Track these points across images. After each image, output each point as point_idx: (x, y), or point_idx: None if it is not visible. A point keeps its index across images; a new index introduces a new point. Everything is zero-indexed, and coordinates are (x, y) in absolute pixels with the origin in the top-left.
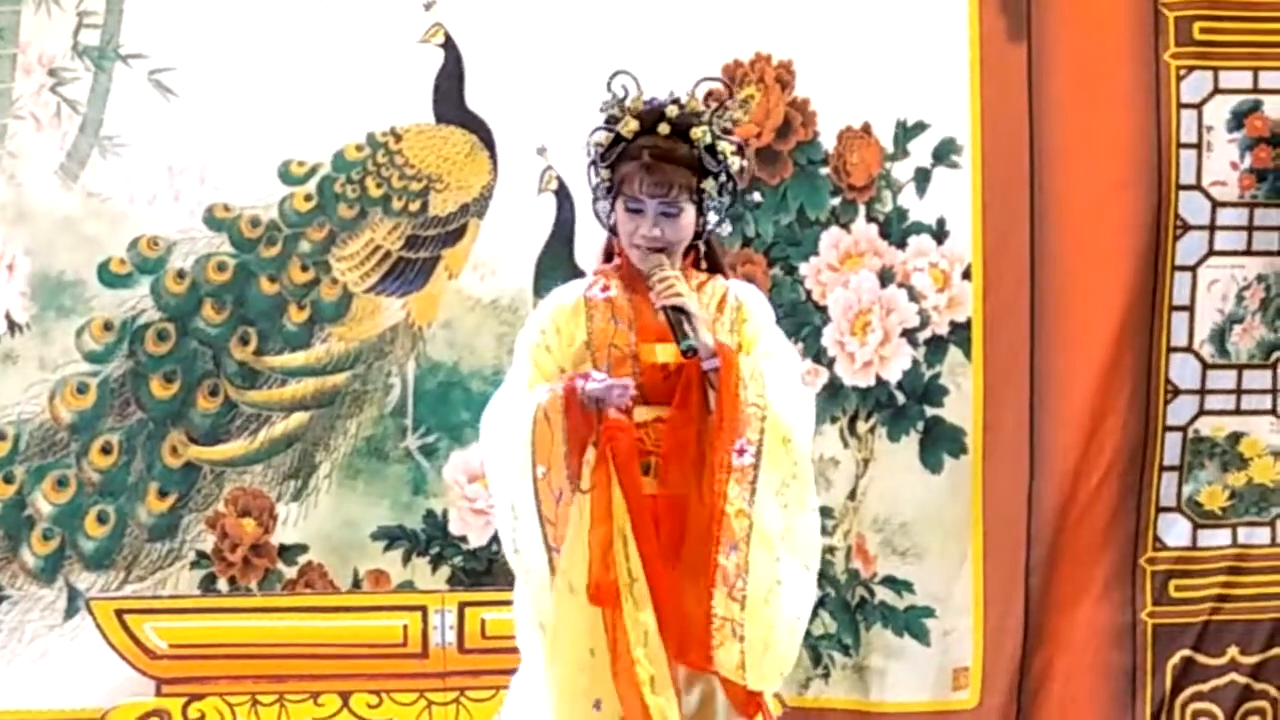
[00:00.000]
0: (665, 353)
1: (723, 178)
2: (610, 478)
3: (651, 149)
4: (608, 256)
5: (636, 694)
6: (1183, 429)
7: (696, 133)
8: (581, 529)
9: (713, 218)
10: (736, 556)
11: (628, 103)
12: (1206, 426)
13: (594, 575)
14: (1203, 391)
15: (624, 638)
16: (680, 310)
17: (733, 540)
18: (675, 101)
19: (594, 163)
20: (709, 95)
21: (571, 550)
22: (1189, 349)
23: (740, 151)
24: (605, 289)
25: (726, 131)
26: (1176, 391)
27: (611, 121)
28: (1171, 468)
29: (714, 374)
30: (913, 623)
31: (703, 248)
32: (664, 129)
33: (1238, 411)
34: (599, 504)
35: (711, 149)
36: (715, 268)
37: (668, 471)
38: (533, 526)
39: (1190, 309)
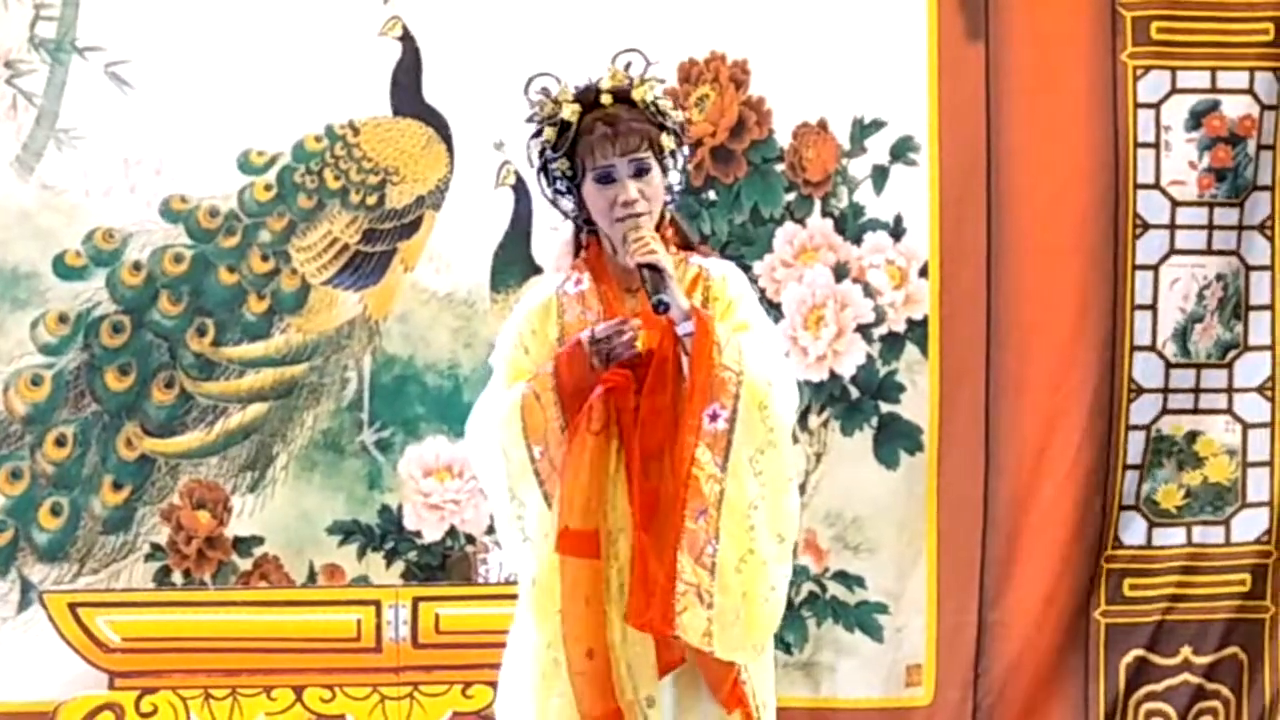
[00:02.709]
0: (640, 339)
1: (674, 134)
2: (608, 427)
3: (605, 118)
4: (577, 250)
5: (605, 648)
6: (1146, 428)
7: (638, 93)
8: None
9: (674, 178)
10: (705, 522)
11: (556, 96)
12: (1167, 425)
13: (564, 521)
14: (1165, 390)
15: (596, 591)
16: (654, 268)
17: (702, 505)
18: (601, 79)
19: (545, 166)
20: (628, 66)
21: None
22: (1152, 348)
23: (677, 105)
24: (578, 283)
25: (657, 90)
26: (1139, 390)
27: (549, 118)
28: (1134, 466)
29: (688, 339)
30: (864, 619)
31: (668, 218)
32: (607, 99)
33: (1196, 410)
34: (599, 451)
35: (655, 106)
36: (687, 245)
37: (647, 463)
38: (538, 506)
39: (1153, 308)
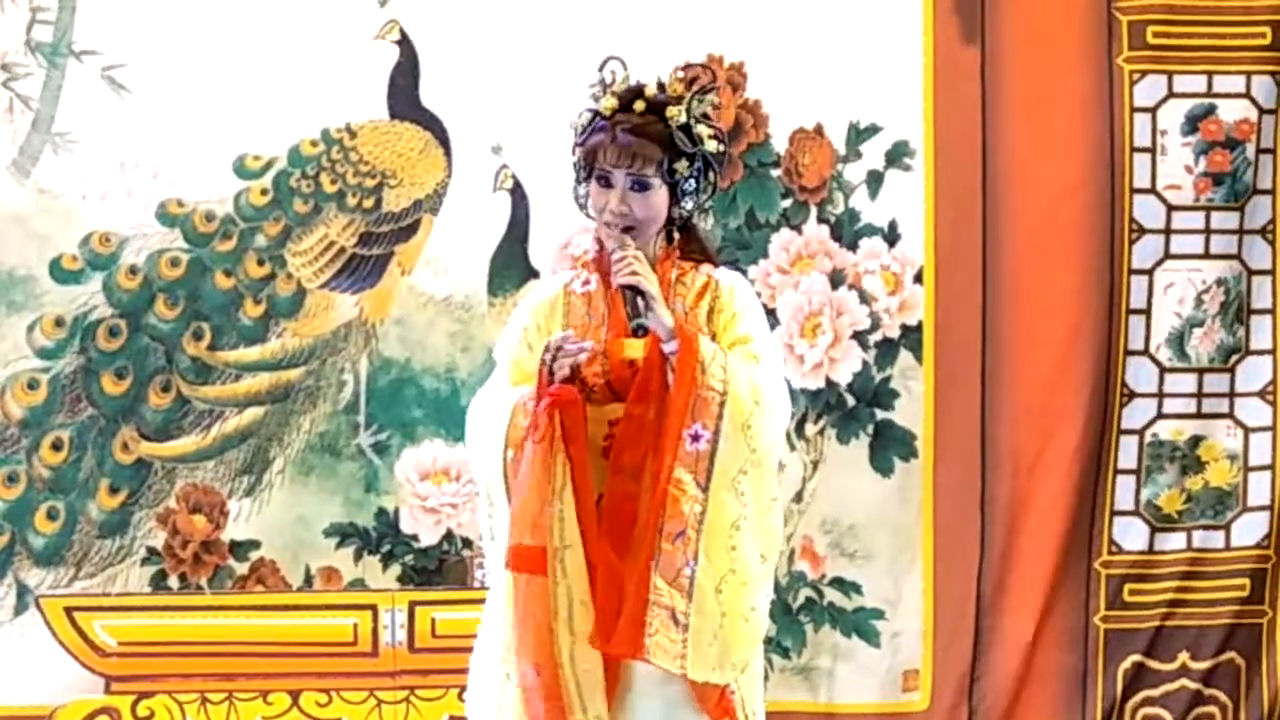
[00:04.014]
0: (634, 348)
1: (698, 161)
2: (552, 442)
3: (623, 123)
4: (601, 245)
5: (552, 666)
6: (1139, 433)
7: (671, 111)
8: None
9: (689, 203)
10: (682, 544)
11: (614, 86)
12: (1165, 430)
13: (514, 539)
14: (1160, 395)
15: (543, 608)
16: (636, 290)
17: (679, 526)
18: (660, 84)
19: (576, 145)
20: (694, 80)
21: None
22: (1145, 353)
23: (719, 137)
24: (585, 283)
25: (705, 117)
26: (1132, 395)
27: (594, 101)
28: (1127, 471)
29: (673, 357)
30: (861, 624)
31: (678, 234)
32: (640, 105)
33: (1198, 415)
34: (538, 467)
35: (687, 129)
36: (705, 258)
37: (635, 468)
38: (504, 510)
39: (1146, 313)
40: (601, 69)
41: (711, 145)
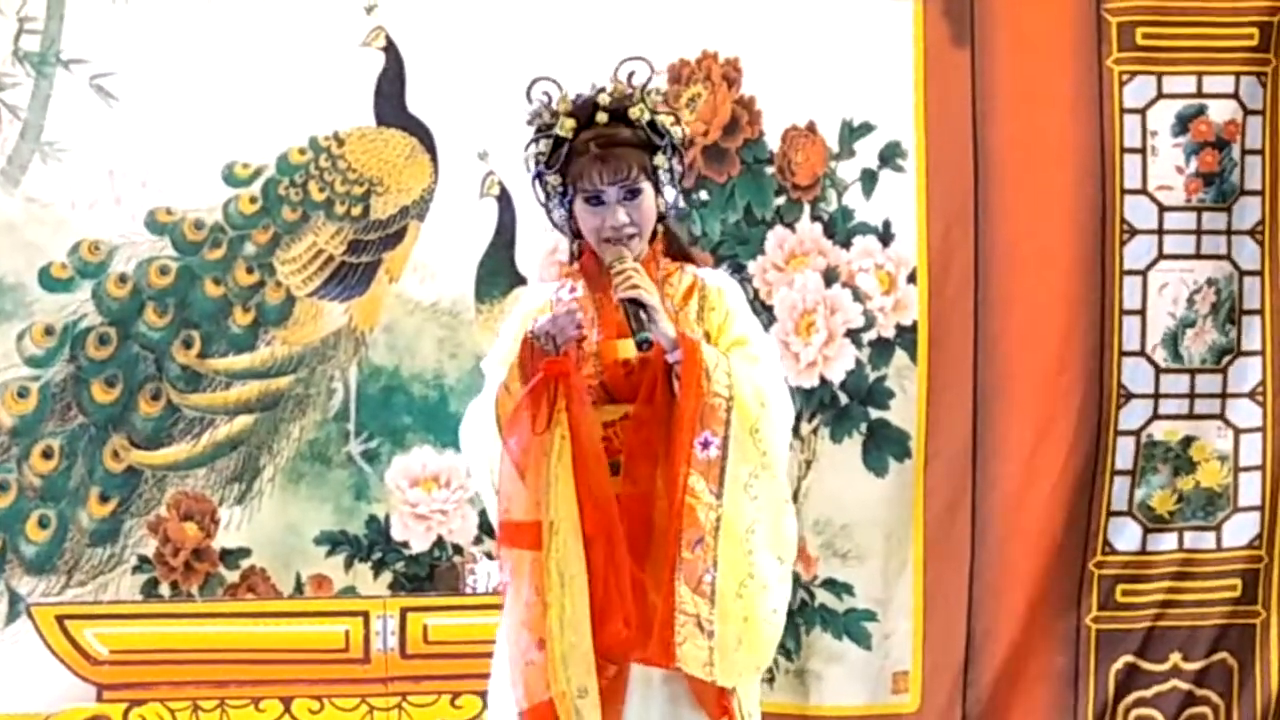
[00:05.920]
0: (626, 349)
1: (669, 150)
2: (552, 418)
3: (597, 139)
4: (571, 258)
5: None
6: (1135, 434)
7: (634, 112)
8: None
9: (669, 193)
10: (702, 551)
11: (554, 105)
12: (1159, 431)
13: (504, 514)
14: (1156, 396)
15: (540, 581)
16: (638, 303)
17: (698, 534)
18: (602, 90)
19: (539, 175)
20: (632, 74)
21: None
22: (1141, 353)
23: (678, 120)
24: (571, 290)
25: (658, 105)
26: (1129, 396)
27: (545, 129)
28: (1123, 472)
29: (678, 366)
30: (852, 626)
31: (660, 230)
32: (602, 117)
33: (1190, 416)
34: (539, 445)
35: (652, 124)
36: (682, 256)
37: (635, 469)
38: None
39: (1141, 313)
40: (529, 94)
41: (676, 131)
